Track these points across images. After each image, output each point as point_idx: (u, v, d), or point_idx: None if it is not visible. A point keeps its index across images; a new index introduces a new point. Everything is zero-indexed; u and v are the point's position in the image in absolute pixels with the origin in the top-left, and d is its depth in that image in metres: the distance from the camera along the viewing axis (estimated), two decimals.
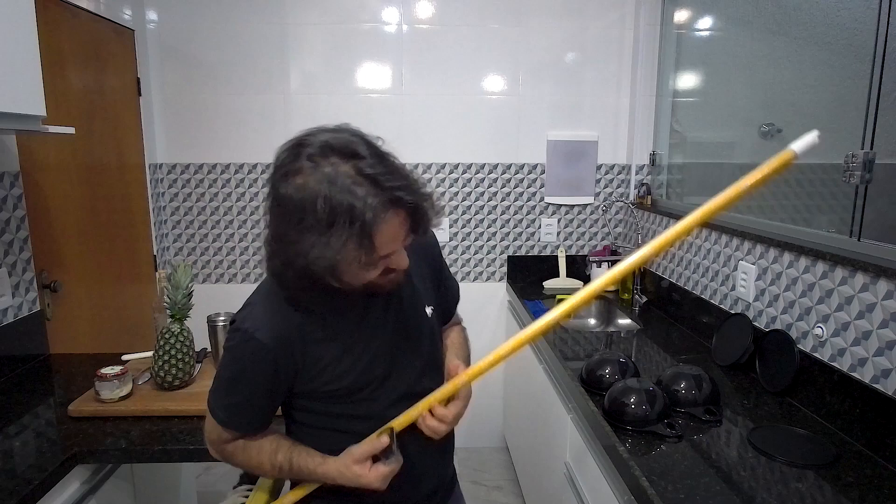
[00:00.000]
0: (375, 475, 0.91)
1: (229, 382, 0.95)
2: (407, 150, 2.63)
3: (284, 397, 0.99)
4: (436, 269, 1.13)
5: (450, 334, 1.20)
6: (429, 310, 1.06)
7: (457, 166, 2.67)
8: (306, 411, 1.00)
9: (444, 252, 2.76)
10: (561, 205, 2.74)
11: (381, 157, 0.84)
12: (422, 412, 0.96)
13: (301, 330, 0.92)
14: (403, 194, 0.82)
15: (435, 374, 1.05)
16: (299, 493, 1.01)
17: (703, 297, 1.93)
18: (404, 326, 1.01)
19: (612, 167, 2.72)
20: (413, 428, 0.98)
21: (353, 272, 0.84)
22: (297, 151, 0.82)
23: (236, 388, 0.95)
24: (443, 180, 2.69)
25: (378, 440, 0.92)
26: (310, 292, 0.88)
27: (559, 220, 2.76)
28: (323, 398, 0.98)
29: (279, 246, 0.85)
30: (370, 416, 0.97)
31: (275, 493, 1.09)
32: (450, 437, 1.07)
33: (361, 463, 0.92)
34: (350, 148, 0.81)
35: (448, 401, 0.99)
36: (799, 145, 0.78)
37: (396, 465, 0.94)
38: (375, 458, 0.93)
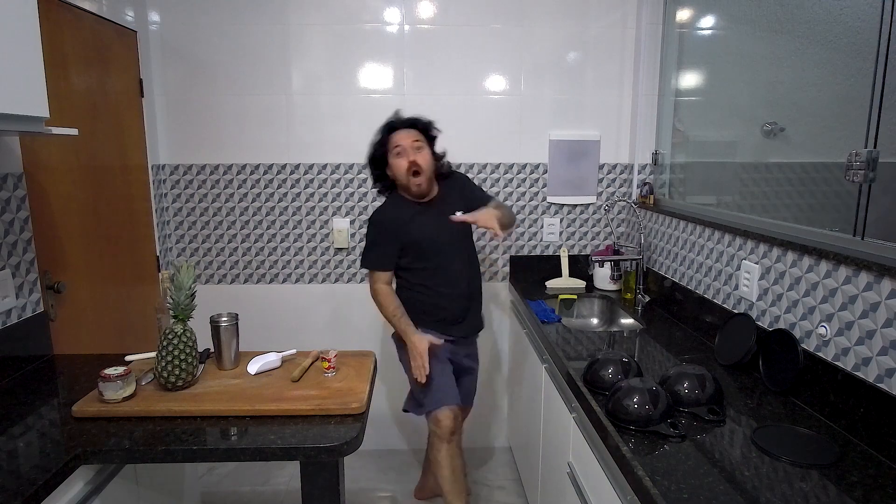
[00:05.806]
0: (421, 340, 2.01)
1: (372, 243, 2.05)
2: None
3: (398, 251, 2.04)
4: (466, 199, 2.11)
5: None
6: (458, 213, 1.97)
7: (459, 166, 2.67)
8: (407, 270, 2.08)
9: None
10: (563, 204, 2.74)
11: (402, 119, 2.12)
12: None
13: (400, 214, 2.04)
14: (395, 123, 2.10)
15: (468, 246, 2.19)
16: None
17: (706, 296, 1.92)
18: (443, 222, 2.00)
19: (615, 166, 2.71)
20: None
21: (390, 159, 2.03)
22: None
23: (375, 245, 2.05)
24: None
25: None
26: (392, 189, 2.12)
27: (561, 220, 2.76)
28: (413, 252, 2.04)
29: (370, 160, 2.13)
30: (444, 270, 2.07)
31: None
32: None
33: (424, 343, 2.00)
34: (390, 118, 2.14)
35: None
36: None
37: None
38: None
